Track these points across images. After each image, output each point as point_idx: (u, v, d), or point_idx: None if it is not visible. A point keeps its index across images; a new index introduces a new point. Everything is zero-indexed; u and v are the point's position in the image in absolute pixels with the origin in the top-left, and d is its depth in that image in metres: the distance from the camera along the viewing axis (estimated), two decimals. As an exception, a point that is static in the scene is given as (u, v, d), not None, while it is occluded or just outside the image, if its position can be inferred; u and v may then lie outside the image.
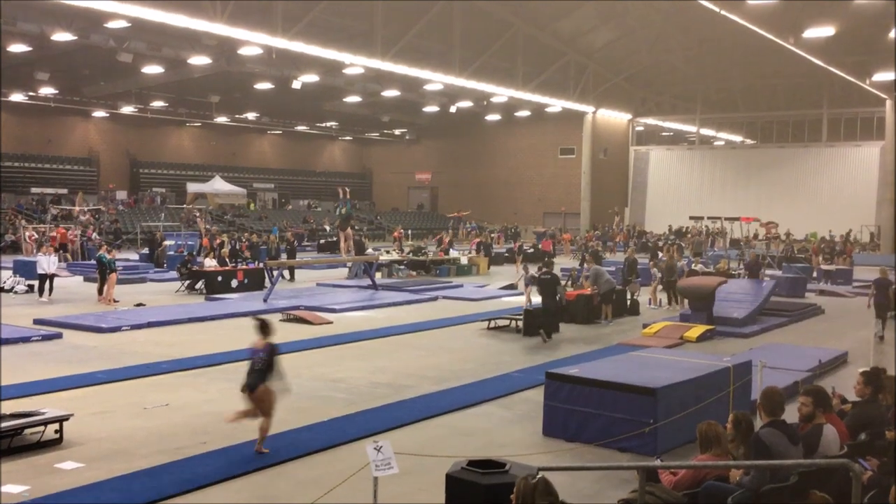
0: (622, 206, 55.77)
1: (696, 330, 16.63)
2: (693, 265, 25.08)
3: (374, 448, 6.08)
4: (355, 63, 36.06)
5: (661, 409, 8.73)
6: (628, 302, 20.61)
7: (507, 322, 17.86)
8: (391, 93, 43.73)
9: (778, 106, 51.30)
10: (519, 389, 11.88)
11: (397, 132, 62.87)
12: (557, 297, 16.93)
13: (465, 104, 48.82)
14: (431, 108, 51.19)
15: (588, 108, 52.32)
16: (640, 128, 58.06)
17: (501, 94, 44.99)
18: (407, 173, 63.93)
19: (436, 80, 40.71)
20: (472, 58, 40.21)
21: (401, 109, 52.94)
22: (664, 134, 59.01)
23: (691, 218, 46.92)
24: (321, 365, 13.57)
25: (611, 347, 15.36)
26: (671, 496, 5.64)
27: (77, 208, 35.95)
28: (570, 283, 22.66)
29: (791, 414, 6.32)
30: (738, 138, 56.88)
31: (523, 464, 6.14)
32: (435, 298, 22.95)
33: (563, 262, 33.58)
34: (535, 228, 48.69)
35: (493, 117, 54.01)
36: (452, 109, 50.19)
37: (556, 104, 49.14)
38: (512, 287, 25.05)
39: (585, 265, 22.25)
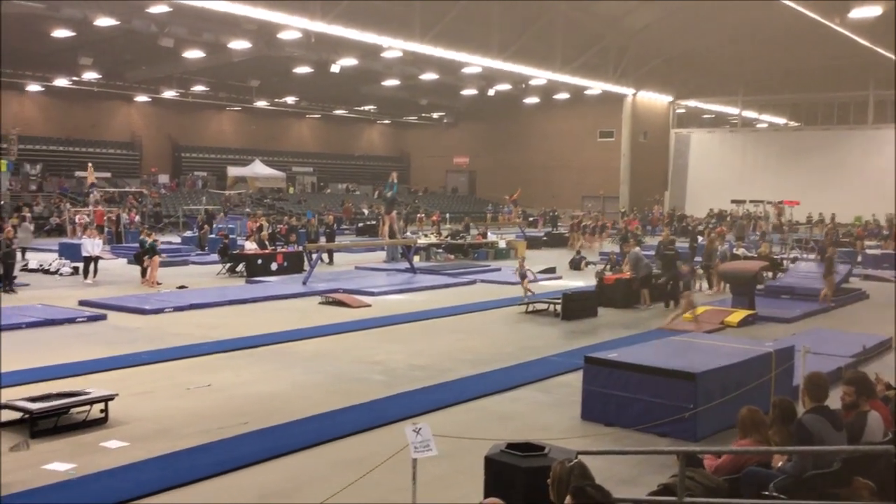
0: (662, 189, 55.21)
1: (738, 315, 16.44)
2: (735, 249, 24.76)
3: (413, 430, 6.11)
4: (393, 46, 36.03)
5: (701, 394, 8.66)
6: (669, 286, 20.39)
7: (545, 306, 17.80)
8: (429, 76, 43.63)
9: (823, 88, 50.27)
10: (557, 373, 11.85)
11: (435, 116, 62.77)
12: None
13: (504, 87, 48.56)
14: (469, 92, 51.00)
15: (628, 91, 51.77)
16: (682, 110, 57.33)
17: (540, 76, 44.66)
18: (445, 157, 63.84)
19: (474, 62, 40.53)
20: (510, 40, 39.95)
21: (439, 93, 52.83)
22: (706, 116, 58.20)
23: (733, 202, 46.37)
24: (359, 348, 13.66)
25: (650, 332, 15.24)
26: (712, 481, 5.59)
27: (89, 180, 36.16)
28: (608, 267, 22.51)
29: (835, 400, 6.22)
30: (781, 121, 55.89)
31: (562, 447, 6.13)
32: (473, 282, 22.96)
33: (599, 247, 33.38)
34: (573, 212, 48.36)
35: (531, 100, 53.67)
36: (491, 92, 49.99)
37: (595, 87, 48.69)
38: (550, 271, 24.95)
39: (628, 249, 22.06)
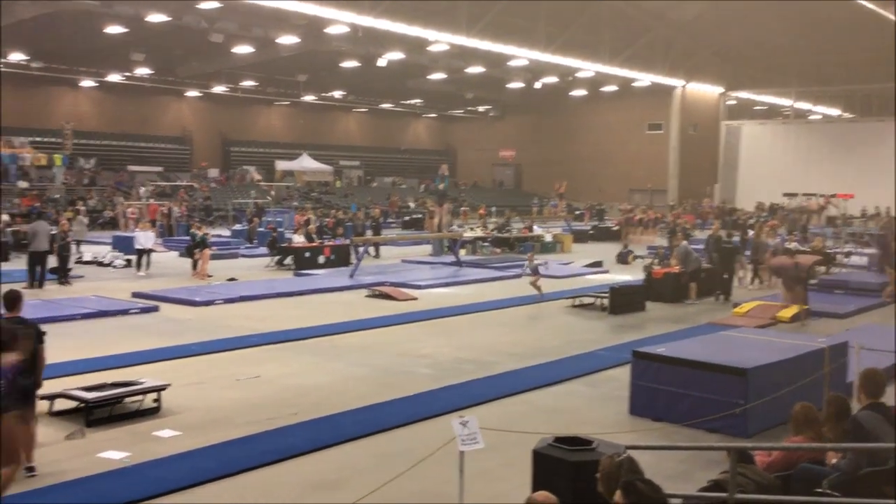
0: (712, 182, 54.42)
1: (790, 310, 16.14)
2: (787, 243, 24.31)
3: (460, 423, 6.13)
4: (440, 40, 36.03)
5: (752, 390, 8.55)
6: (723, 280, 20.09)
7: (591, 300, 17.69)
8: (475, 69, 43.56)
9: (878, 78, 49.00)
10: (604, 368, 11.78)
11: (481, 109, 62.63)
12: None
13: (550, 80, 48.26)
14: (516, 85, 50.79)
15: (677, 83, 51.10)
16: (732, 102, 56.38)
17: (587, 69, 44.30)
18: (490, 150, 63.68)
19: (520, 55, 40.35)
20: (557, 32, 39.69)
21: (485, 86, 52.69)
22: (757, 108, 57.17)
23: (785, 195, 45.54)
24: (406, 341, 13.72)
25: (699, 327, 15.06)
26: (764, 478, 5.52)
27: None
28: (656, 261, 22.28)
29: (891, 397, 6.09)
30: (835, 112, 54.67)
31: (610, 442, 6.10)
32: (519, 276, 22.87)
33: (650, 241, 33.05)
34: (620, 206, 47.93)
35: (578, 93, 53.25)
36: (537, 85, 49.71)
37: (643, 78, 48.13)
38: (597, 265, 24.79)
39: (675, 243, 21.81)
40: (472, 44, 36.54)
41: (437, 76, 46.94)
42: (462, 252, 26.51)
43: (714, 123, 55.42)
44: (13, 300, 7.46)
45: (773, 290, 19.76)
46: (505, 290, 19.83)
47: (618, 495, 3.75)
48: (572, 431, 6.60)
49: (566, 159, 57.78)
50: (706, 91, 54.16)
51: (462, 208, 44.19)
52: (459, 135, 67.00)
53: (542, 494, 4.00)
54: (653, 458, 7.19)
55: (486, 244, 29.81)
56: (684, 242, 19.99)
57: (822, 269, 21.70)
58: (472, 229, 31.64)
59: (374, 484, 6.76)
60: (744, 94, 55.41)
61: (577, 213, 47.82)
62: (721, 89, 54.96)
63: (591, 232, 36.69)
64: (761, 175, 52.52)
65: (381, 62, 39.39)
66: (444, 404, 9.62)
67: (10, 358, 6.63)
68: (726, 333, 11.58)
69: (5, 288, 7.82)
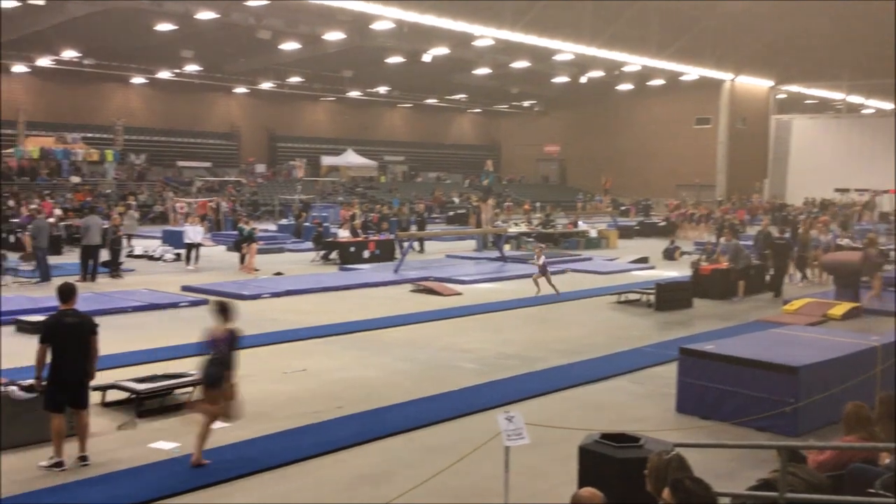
0: (761, 177, 53.57)
1: (841, 307, 15.83)
2: (839, 240, 23.83)
3: (506, 418, 6.12)
4: (485, 35, 35.95)
5: (802, 389, 8.41)
6: (767, 277, 19.80)
7: (637, 296, 17.53)
8: (520, 64, 43.40)
9: (935, 71, 47.77)
10: (651, 365, 11.67)
11: (526, 104, 62.40)
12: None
13: (596, 74, 47.91)
14: (561, 79, 50.50)
15: (726, 76, 50.39)
16: (783, 95, 55.40)
17: (634, 62, 43.87)
18: (535, 145, 63.41)
19: (566, 49, 40.11)
20: (604, 26, 39.36)
21: (530, 81, 52.49)
22: (808, 102, 56.11)
23: (836, 190, 44.66)
24: (450, 335, 13.74)
25: (748, 324, 14.83)
26: (815, 477, 5.42)
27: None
28: (704, 257, 22.00)
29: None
30: (889, 105, 53.40)
31: (657, 439, 6.05)
32: (563, 271, 22.76)
33: (697, 237, 32.66)
34: (667, 201, 47.43)
35: (624, 87, 52.80)
36: (583, 80, 49.39)
37: (691, 72, 47.55)
38: (643, 261, 24.56)
39: (722, 239, 21.52)
40: (517, 38, 36.40)
41: (482, 71, 46.88)
42: (506, 247, 26.45)
43: (763, 117, 54.54)
44: (68, 293, 7.63)
45: (823, 288, 19.41)
46: (549, 286, 19.72)
47: (666, 493, 3.72)
48: (618, 428, 6.56)
49: (611, 154, 57.33)
50: (755, 84, 53.30)
51: (506, 203, 44.08)
52: (504, 130, 66.82)
53: (589, 491, 3.98)
54: (700, 457, 7.09)
55: (530, 240, 29.71)
56: (735, 239, 19.69)
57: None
58: (516, 225, 31.54)
59: (420, 478, 6.79)
60: (794, 88, 54.41)
61: (623, 208, 47.45)
62: (771, 83, 54.05)
63: (636, 228, 36.35)
64: (812, 170, 51.57)
65: (426, 57, 39.47)
66: (488, 399, 9.62)
67: (220, 330, 7.40)
68: (776, 331, 11.40)
69: (59, 281, 8.00)
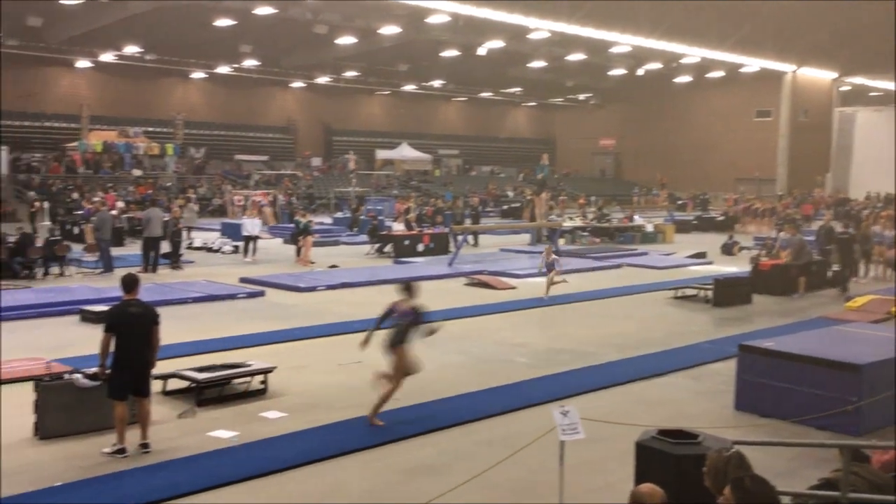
0: (823, 171, 52.29)
1: (907, 305, 15.38)
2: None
3: (561, 413, 6.10)
4: (541, 27, 35.73)
5: (865, 387, 8.21)
6: (829, 273, 19.35)
7: (694, 292, 17.28)
8: (576, 56, 43.04)
9: None
10: (708, 361, 11.51)
11: (581, 97, 61.86)
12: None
13: (654, 66, 47.27)
14: (617, 72, 49.96)
15: (788, 67, 49.27)
16: (846, 87, 53.95)
17: (693, 54, 43.17)
18: (590, 139, 62.83)
19: (623, 42, 39.65)
20: (661, 17, 38.78)
21: (585, 73, 52.02)
22: (873, 94, 54.54)
23: (902, 184, 43.33)
24: (504, 329, 13.72)
25: (810, 321, 14.52)
26: (879, 477, 5.28)
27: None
28: (763, 252, 21.59)
29: None
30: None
31: (716, 436, 5.96)
32: (619, 266, 22.58)
33: (757, 231, 32.06)
34: (726, 195, 46.60)
35: (682, 79, 51.98)
36: (640, 72, 48.78)
37: (752, 63, 46.60)
38: (701, 256, 24.19)
39: (782, 233, 21.07)
40: (573, 31, 36.09)
41: (538, 64, 46.61)
42: (561, 241, 26.31)
43: (826, 110, 53.18)
44: (131, 283, 7.81)
45: (888, 284, 18.90)
46: (604, 281, 19.60)
47: (727, 492, 3.66)
48: (674, 425, 6.48)
49: (669, 148, 56.54)
50: (818, 76, 52.02)
51: (560, 197, 43.80)
52: (559, 123, 66.35)
53: (648, 487, 3.94)
54: (759, 455, 6.96)
55: (585, 234, 29.51)
56: (798, 234, 19.27)
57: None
58: (570, 219, 31.34)
59: (474, 470, 6.80)
60: (858, 80, 52.93)
61: (680, 202, 46.79)
62: (834, 74, 52.67)
63: (694, 222, 35.83)
64: (876, 164, 50.09)
65: (481, 51, 39.36)
66: (542, 394, 9.59)
67: (405, 305, 8.55)
68: (839, 328, 11.15)
69: (122, 272, 8.18)
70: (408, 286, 8.80)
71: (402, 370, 8.49)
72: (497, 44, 38.65)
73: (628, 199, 48.23)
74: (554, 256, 17.24)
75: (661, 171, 50.93)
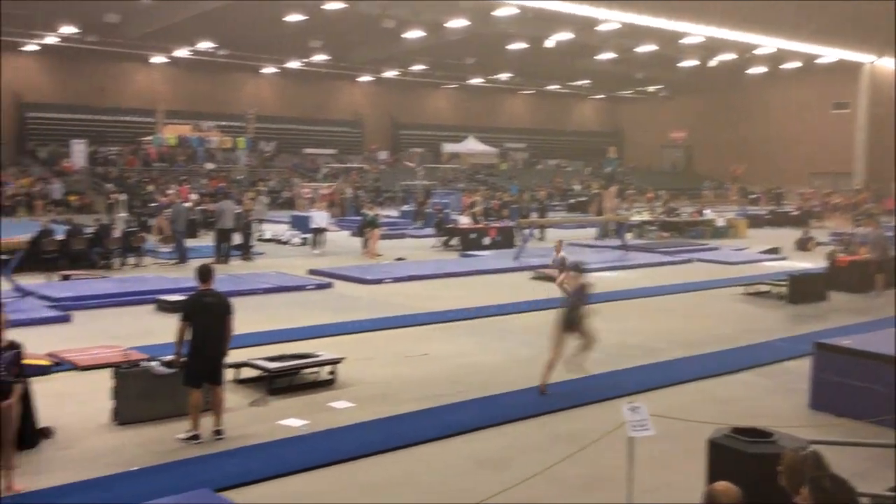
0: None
1: None
2: None
3: (630, 408, 6.03)
4: (610, 18, 35.30)
5: (947, 388, 7.91)
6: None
7: (767, 288, 16.89)
8: (646, 48, 42.39)
9: None
10: (781, 359, 11.23)
11: (651, 89, 60.92)
12: None
13: (726, 57, 46.24)
14: (689, 63, 49.02)
15: (867, 58, 47.70)
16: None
17: (768, 44, 42.10)
18: (660, 132, 61.87)
19: (695, 32, 38.90)
20: (736, 7, 37.89)
21: (655, 65, 51.14)
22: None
23: None
24: (572, 323, 13.59)
25: (887, 319, 14.03)
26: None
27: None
28: (841, 248, 21.00)
29: None
30: None
31: (791, 435, 5.82)
32: (688, 261, 22.22)
33: (833, 226, 31.19)
34: (800, 190, 45.42)
35: (756, 70, 50.74)
36: (712, 63, 47.79)
37: (829, 54, 45.24)
38: (774, 251, 23.64)
39: (860, 228, 20.45)
40: (644, 21, 35.55)
41: (606, 56, 46.05)
42: (628, 236, 26.01)
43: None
44: (206, 274, 8.00)
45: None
46: (673, 276, 19.29)
47: (804, 491, 3.57)
48: (746, 423, 6.34)
49: (741, 141, 55.32)
50: (899, 67, 50.25)
51: (628, 191, 43.27)
52: (628, 116, 65.50)
53: (723, 485, 3.87)
54: (833, 455, 6.78)
55: (653, 228, 29.11)
56: (879, 229, 18.67)
57: None
58: (638, 213, 30.95)
59: (541, 464, 6.78)
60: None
61: (752, 196, 45.79)
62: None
63: (767, 217, 35.03)
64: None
65: (549, 43, 39.06)
66: (610, 389, 9.50)
67: (576, 284, 9.64)
68: (920, 327, 10.75)
69: (196, 263, 8.36)
70: (577, 266, 10.02)
71: (560, 345, 9.43)
72: (565, 36, 38.32)
73: (698, 193, 47.38)
74: (563, 254, 15.97)
75: (736, 163, 49.79)
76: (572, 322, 9.42)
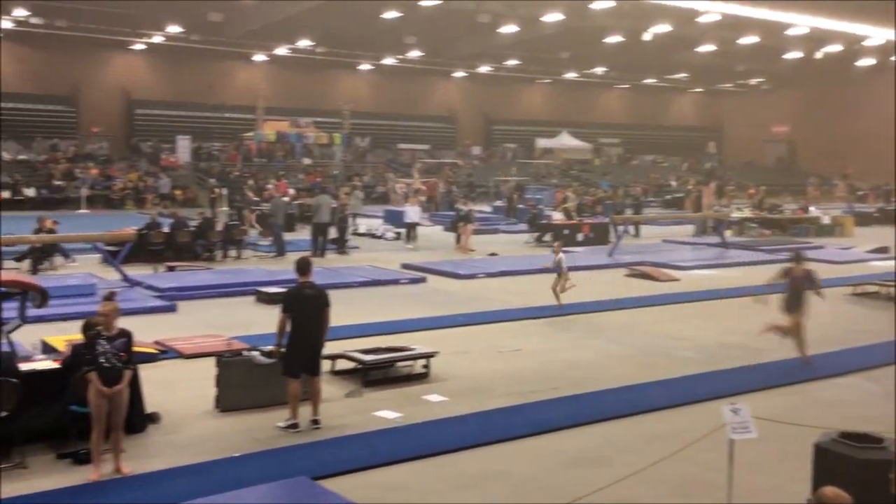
0: None
1: None
2: None
3: (731, 410, 5.89)
4: (710, 10, 34.42)
5: None
6: None
7: (876, 288, 16.19)
8: (748, 39, 41.14)
9: None
10: (890, 362, 10.74)
11: (752, 82, 59.09)
12: None
13: (833, 48, 44.48)
14: (793, 55, 47.35)
15: None
16: None
17: (878, 35, 40.29)
18: (761, 126, 59.92)
19: (801, 23, 37.55)
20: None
21: (757, 57, 49.57)
22: None
23: None
24: (667, 322, 13.38)
25: None
26: None
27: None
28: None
29: None
30: None
31: (903, 442, 5.58)
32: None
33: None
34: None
35: (865, 62, 48.61)
36: (818, 55, 46.06)
37: (945, 44, 42.98)
38: (883, 251, 22.64)
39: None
40: (746, 13, 34.52)
41: (706, 48, 44.91)
42: (728, 233, 25.34)
43: None
44: (306, 266, 8.18)
45: None
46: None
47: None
48: (853, 428, 6.11)
49: (848, 135, 53.08)
50: None
51: (728, 187, 42.11)
52: (728, 110, 63.64)
53: (832, 490, 3.73)
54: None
55: (754, 225, 28.27)
56: None
57: None
58: (738, 209, 30.10)
59: (638, 464, 6.68)
60: None
61: (860, 193, 43.97)
62: None
63: (875, 214, 33.58)
64: None
65: (646, 36, 38.35)
66: (709, 389, 9.29)
67: (798, 271, 10.64)
68: None
69: (293, 256, 8.55)
70: (797, 255, 10.95)
71: (797, 327, 10.30)
72: (663, 28, 37.56)
73: (802, 189, 45.74)
74: (561, 255, 14.62)
75: (839, 159, 47.89)
76: (794, 305, 10.29)
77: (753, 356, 11.04)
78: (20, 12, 34.11)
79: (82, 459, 6.84)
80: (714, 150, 26.03)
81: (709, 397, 8.89)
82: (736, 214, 28.57)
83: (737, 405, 5.98)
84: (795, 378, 10.00)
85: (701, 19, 36.54)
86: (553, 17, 35.91)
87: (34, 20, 34.78)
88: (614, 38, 41.12)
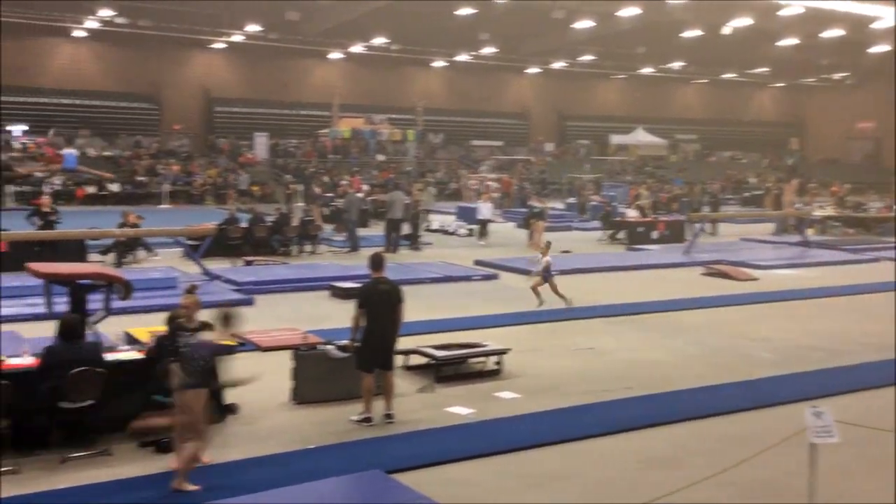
0: None
1: None
2: None
3: (813, 413, 5.73)
4: (793, 3, 33.48)
5: None
6: None
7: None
8: (833, 33, 39.86)
9: None
10: None
11: (836, 77, 57.22)
12: None
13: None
14: (880, 48, 45.65)
15: None
16: None
17: (971, 26, 38.57)
18: (846, 122, 58.00)
19: (887, 16, 36.17)
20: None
21: (842, 51, 48.02)
22: None
23: None
24: (744, 322, 13.08)
25: None
26: None
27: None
28: None
29: None
30: None
31: None
32: (876, 260, 20.79)
33: None
34: None
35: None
36: (908, 48, 44.34)
37: None
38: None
39: None
40: (830, 6, 33.47)
41: (788, 42, 43.68)
42: (809, 231, 24.64)
43: None
44: (380, 262, 8.27)
45: None
46: (859, 275, 18.09)
47: None
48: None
49: (939, 131, 50.98)
50: None
51: (810, 185, 40.90)
52: (810, 105, 61.80)
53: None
54: None
55: (837, 224, 27.42)
56: None
57: None
58: (821, 207, 29.23)
59: (714, 467, 6.56)
60: None
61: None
62: None
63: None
64: None
65: (726, 30, 37.52)
66: (789, 392, 9.05)
67: None
68: None
69: (367, 251, 8.63)
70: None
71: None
72: (744, 21, 36.68)
73: (888, 187, 44.13)
74: (548, 259, 13.84)
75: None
76: None
77: (836, 358, 10.72)
78: (105, 13, 35.25)
79: (164, 448, 7.05)
80: (797, 146, 25.25)
81: (788, 400, 8.67)
82: (818, 212, 27.75)
83: (819, 408, 5.81)
84: (880, 381, 9.64)
85: (783, 12, 35.58)
86: (629, 11, 35.42)
87: (119, 20, 35.89)
88: (692, 33, 40.33)
